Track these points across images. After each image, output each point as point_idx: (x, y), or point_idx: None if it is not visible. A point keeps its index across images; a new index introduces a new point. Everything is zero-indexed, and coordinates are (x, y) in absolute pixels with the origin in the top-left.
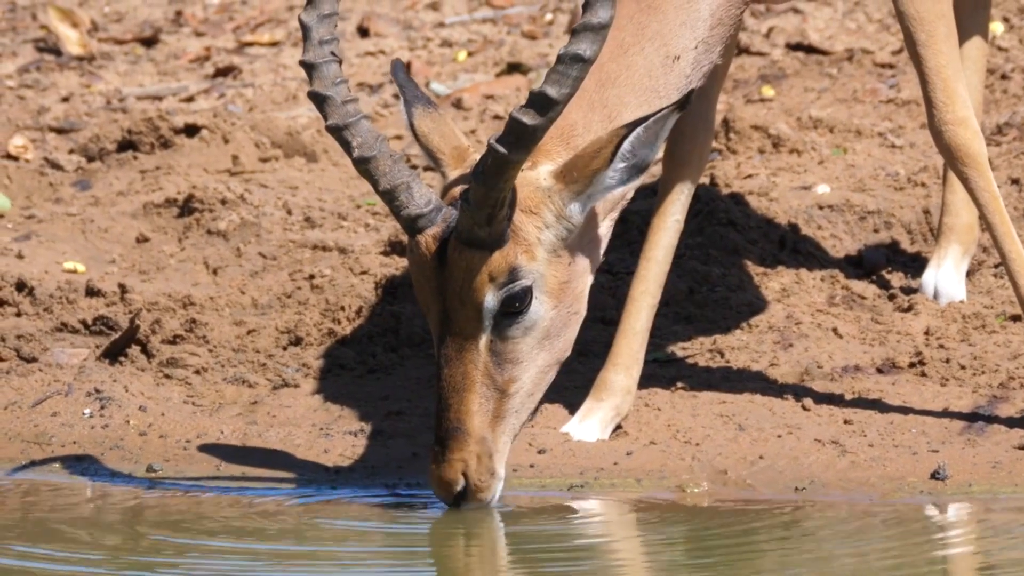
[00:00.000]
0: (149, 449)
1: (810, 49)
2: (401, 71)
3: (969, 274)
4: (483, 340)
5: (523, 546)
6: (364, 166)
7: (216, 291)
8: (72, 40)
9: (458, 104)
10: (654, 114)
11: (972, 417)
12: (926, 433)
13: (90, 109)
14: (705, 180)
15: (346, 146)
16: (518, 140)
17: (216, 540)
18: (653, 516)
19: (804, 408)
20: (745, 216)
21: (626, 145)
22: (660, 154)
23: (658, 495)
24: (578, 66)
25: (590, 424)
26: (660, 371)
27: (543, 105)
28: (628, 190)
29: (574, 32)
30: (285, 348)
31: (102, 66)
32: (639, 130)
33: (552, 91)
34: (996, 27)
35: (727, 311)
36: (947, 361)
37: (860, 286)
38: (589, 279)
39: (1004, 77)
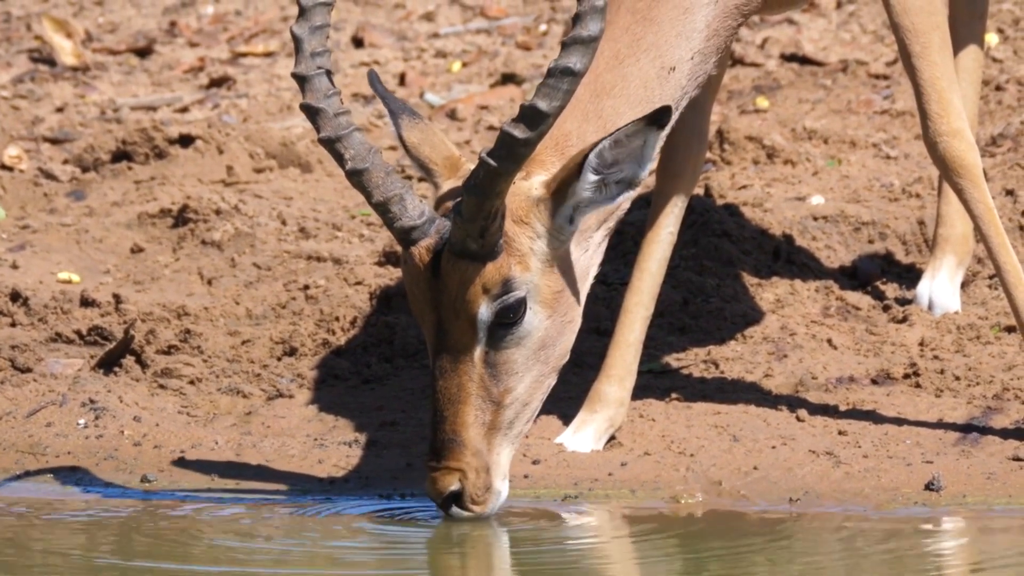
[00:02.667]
0: (143, 459)
1: (804, 60)
2: (378, 82)
3: (964, 285)
4: (478, 351)
5: (518, 557)
6: (357, 178)
7: (210, 301)
8: (66, 50)
9: (452, 115)
10: (624, 127)
11: (966, 428)
12: (920, 444)
13: (84, 119)
14: (699, 191)
15: (339, 158)
16: (509, 153)
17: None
18: (647, 527)
19: (798, 419)
20: (739, 227)
21: (592, 158)
22: (649, 170)
23: (652, 506)
24: (568, 79)
25: (584, 435)
26: (654, 382)
27: (534, 119)
28: (621, 203)
29: (564, 45)
30: (279, 358)
31: (96, 76)
32: (606, 142)
33: (543, 104)
34: (991, 38)
35: (721, 322)
36: (942, 372)
37: (855, 297)
38: (585, 288)
39: (998, 88)
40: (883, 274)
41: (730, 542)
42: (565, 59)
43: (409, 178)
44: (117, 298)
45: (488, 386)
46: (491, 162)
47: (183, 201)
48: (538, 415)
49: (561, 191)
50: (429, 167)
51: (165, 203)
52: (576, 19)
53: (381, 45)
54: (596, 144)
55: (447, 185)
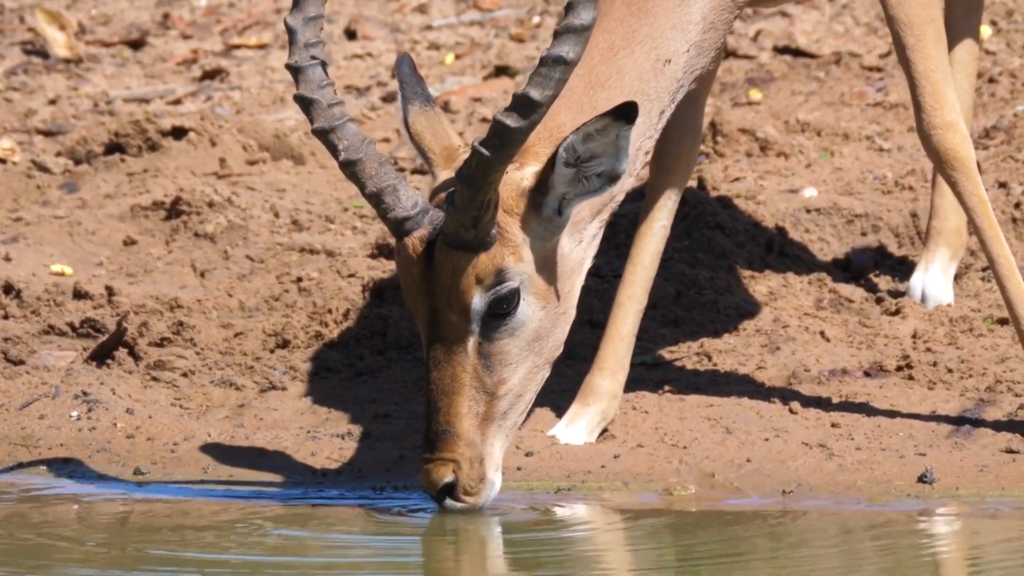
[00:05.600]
0: (136, 452)
1: (797, 52)
2: (407, 66)
3: (957, 277)
4: (471, 342)
5: (511, 549)
6: (350, 169)
7: (203, 294)
8: (59, 42)
9: (446, 107)
10: (590, 121)
11: (959, 420)
12: (913, 436)
13: (77, 112)
14: (692, 183)
15: (332, 149)
16: (502, 143)
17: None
18: (640, 519)
19: (791, 411)
20: (733, 219)
21: (561, 152)
22: (633, 165)
23: (646, 498)
24: (560, 68)
25: (576, 428)
26: (647, 374)
27: (526, 108)
28: (614, 195)
29: (556, 34)
30: (272, 351)
31: (89, 68)
32: (575, 136)
33: (535, 93)
34: (984, 30)
35: (714, 314)
36: (934, 364)
37: (847, 289)
38: (579, 280)
39: (992, 80)
40: (876, 266)
41: (723, 535)
42: (557, 48)
43: (402, 170)
44: (110, 290)
45: (482, 377)
46: (484, 151)
47: (176, 193)
48: (531, 407)
49: (542, 184)
50: (428, 156)
51: (158, 195)
52: (568, 8)
53: (374, 37)
54: (566, 138)
55: (443, 175)
